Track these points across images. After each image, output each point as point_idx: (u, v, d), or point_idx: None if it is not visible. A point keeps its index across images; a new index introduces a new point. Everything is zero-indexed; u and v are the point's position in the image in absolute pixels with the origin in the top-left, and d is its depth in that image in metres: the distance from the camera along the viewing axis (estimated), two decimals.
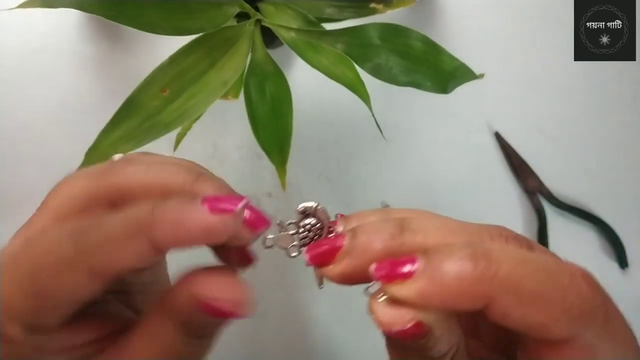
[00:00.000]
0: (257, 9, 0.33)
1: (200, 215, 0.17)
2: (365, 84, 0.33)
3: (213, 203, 0.18)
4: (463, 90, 0.31)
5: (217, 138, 0.45)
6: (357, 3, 0.33)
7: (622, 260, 0.46)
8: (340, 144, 0.46)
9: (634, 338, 0.18)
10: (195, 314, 0.18)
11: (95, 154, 0.27)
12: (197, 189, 0.20)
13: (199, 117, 0.33)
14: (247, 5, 0.31)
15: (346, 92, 0.33)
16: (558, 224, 0.46)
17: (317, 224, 0.20)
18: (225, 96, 0.36)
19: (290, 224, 0.21)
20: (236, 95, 0.36)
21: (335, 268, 0.19)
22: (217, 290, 0.18)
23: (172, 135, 0.35)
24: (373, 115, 0.32)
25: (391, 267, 0.17)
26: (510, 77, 0.47)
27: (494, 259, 0.16)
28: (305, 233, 0.21)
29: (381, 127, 0.32)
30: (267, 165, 0.43)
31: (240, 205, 0.18)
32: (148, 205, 0.18)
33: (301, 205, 0.20)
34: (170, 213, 0.17)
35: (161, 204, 0.18)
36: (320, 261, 0.19)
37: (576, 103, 0.47)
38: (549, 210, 0.47)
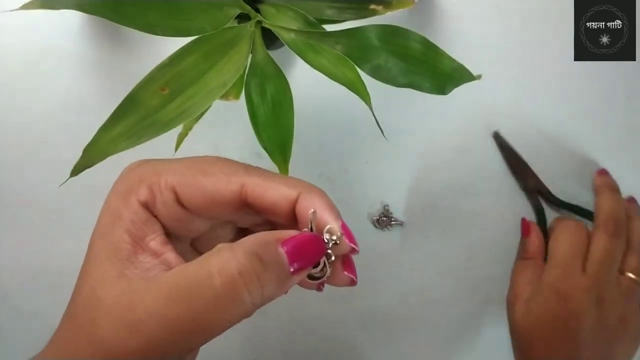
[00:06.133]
0: (257, 10, 0.33)
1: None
2: (365, 84, 0.33)
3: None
4: (463, 90, 0.32)
5: (218, 138, 0.45)
6: (357, 4, 0.33)
7: None
8: (341, 143, 0.46)
9: None
10: None
11: (94, 150, 0.27)
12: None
13: (199, 118, 0.33)
14: (248, 7, 0.31)
15: (346, 92, 0.33)
16: None
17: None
18: (226, 97, 0.36)
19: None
20: (237, 96, 0.36)
21: None
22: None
23: (174, 135, 0.35)
24: (374, 115, 0.32)
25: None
26: (509, 77, 0.47)
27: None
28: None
29: (381, 127, 0.32)
30: (267, 166, 0.43)
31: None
32: None
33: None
34: None
35: None
36: None
37: (576, 103, 0.47)
38: (549, 210, 0.47)
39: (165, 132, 0.28)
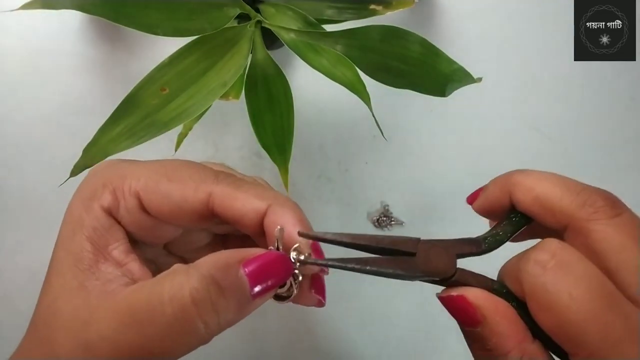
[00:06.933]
0: (257, 11, 0.33)
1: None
2: (365, 85, 0.33)
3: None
4: (462, 91, 0.32)
5: (218, 138, 0.45)
6: (357, 4, 0.33)
7: None
8: (341, 144, 0.46)
9: None
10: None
11: (94, 150, 0.27)
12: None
13: (199, 118, 0.33)
14: (248, 7, 0.31)
15: (346, 92, 0.33)
16: None
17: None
18: (226, 97, 0.36)
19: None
20: (237, 96, 0.36)
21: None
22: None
23: (174, 135, 0.35)
24: (373, 115, 0.32)
25: None
26: (509, 78, 0.47)
27: None
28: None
29: (381, 127, 0.32)
30: (267, 166, 0.44)
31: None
32: None
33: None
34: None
35: None
36: None
37: (576, 103, 0.47)
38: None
39: (165, 132, 0.28)
